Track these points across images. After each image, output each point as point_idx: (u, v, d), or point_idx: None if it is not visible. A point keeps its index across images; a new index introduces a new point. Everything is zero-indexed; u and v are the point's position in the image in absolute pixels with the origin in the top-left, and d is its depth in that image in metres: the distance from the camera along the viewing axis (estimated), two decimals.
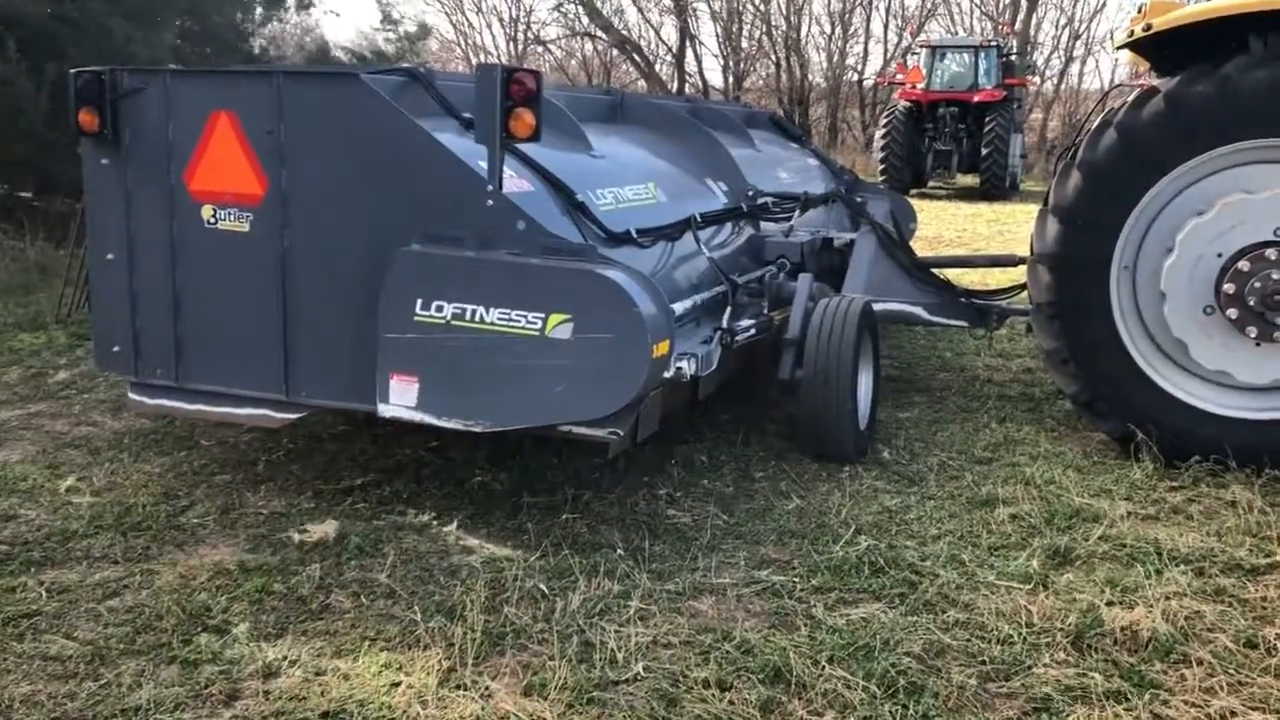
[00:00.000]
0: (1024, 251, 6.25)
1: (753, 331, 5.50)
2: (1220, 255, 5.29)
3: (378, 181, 4.49)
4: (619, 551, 4.47)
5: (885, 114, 25.93)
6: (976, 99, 24.29)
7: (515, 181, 4.59)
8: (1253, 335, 5.29)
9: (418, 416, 4.35)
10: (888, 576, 4.27)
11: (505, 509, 4.92)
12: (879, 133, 25.38)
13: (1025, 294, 6.90)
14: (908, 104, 24.99)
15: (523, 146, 4.62)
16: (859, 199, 7.35)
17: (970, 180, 25.25)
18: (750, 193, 7.04)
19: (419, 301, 4.26)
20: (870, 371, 5.92)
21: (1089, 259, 5.59)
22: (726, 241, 6.39)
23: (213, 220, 4.77)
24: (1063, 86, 37.93)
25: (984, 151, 23.96)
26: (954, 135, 24.59)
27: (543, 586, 4.12)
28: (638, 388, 4.08)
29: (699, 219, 6.03)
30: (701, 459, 5.60)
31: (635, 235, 5.21)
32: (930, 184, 25.64)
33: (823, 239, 6.96)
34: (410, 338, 4.29)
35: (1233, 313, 5.29)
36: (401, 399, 4.36)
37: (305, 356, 4.72)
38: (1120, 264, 5.59)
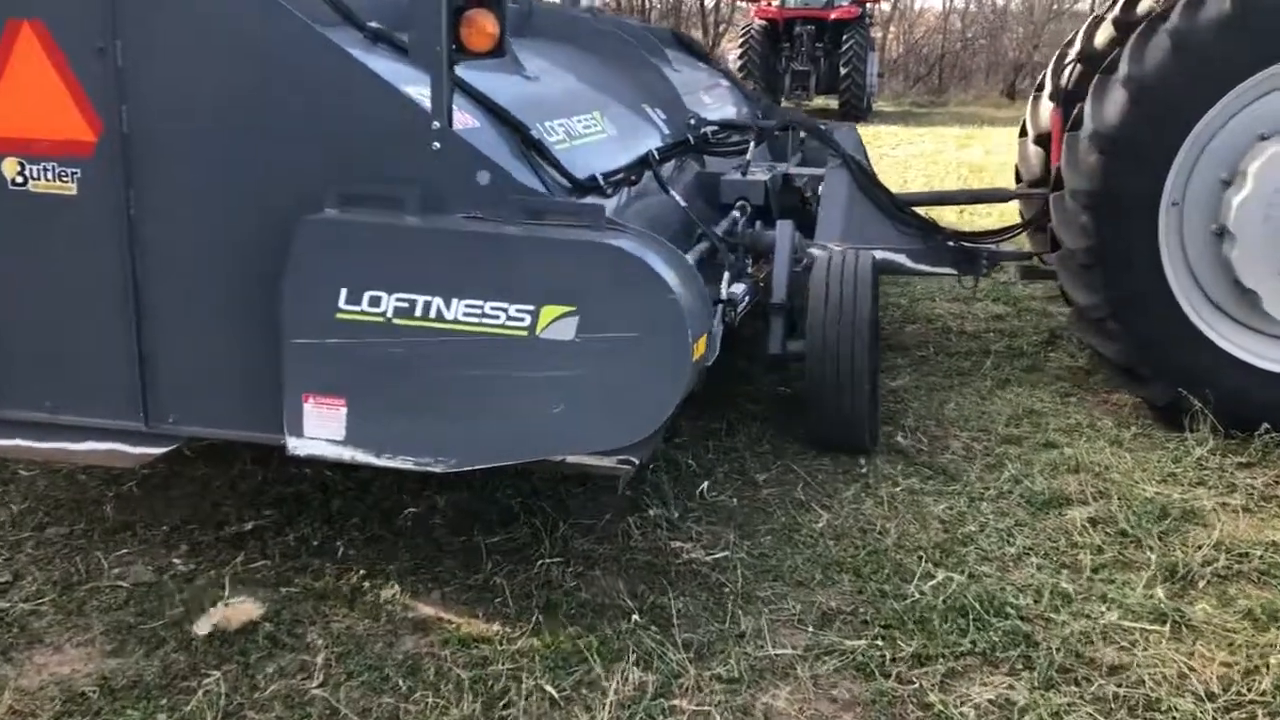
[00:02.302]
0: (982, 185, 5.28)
1: (749, 299, 4.37)
2: None
3: (268, 120, 3.12)
4: (634, 616, 3.30)
5: (741, 33, 24.98)
6: (833, 16, 23.56)
7: (458, 115, 3.28)
8: None
9: (347, 454, 3.07)
10: (992, 629, 3.24)
11: (457, 555, 3.69)
12: (735, 53, 24.40)
13: (1021, 236, 6.01)
14: (763, 22, 24.08)
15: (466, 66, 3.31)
16: (823, 126, 6.25)
17: (824, 101, 24.53)
18: (692, 121, 5.85)
19: (343, 292, 2.95)
20: (878, 340, 4.87)
21: (1135, 195, 4.64)
22: (684, 184, 5.20)
23: (19, 180, 3.30)
24: (900, 3, 37.60)
25: (842, 71, 23.29)
26: (811, 55, 23.82)
27: (550, 689, 2.94)
28: (673, 404, 2.91)
29: (656, 156, 4.83)
30: (688, 461, 4.45)
31: (602, 182, 3.99)
32: (786, 105, 24.86)
33: (782, 176, 5.85)
34: (331, 344, 2.99)
35: None
36: (321, 430, 3.07)
37: (172, 369, 3.34)
38: (1169, 200, 4.65)
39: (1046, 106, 6.22)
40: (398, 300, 2.92)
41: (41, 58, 3.21)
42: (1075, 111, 4.94)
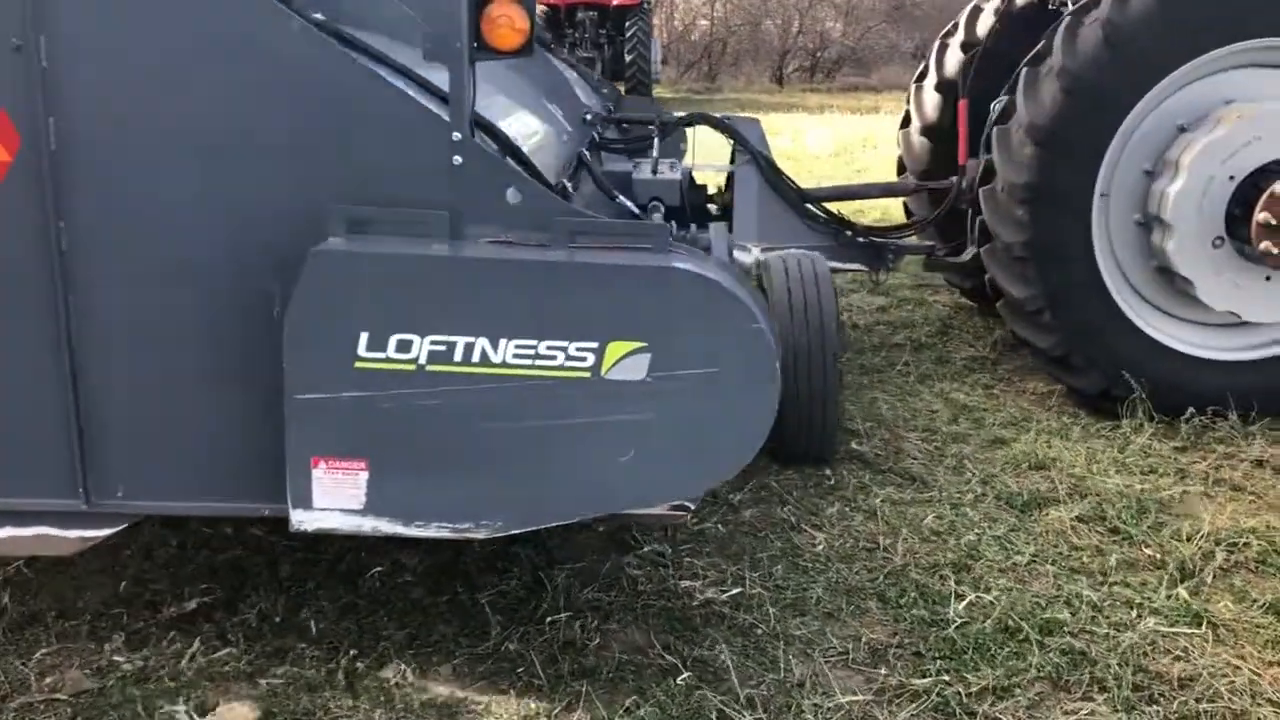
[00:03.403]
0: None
1: None
2: (1233, 178, 4.49)
3: (246, 132, 2.60)
4: (682, 674, 2.99)
5: None
6: (615, 2, 23.46)
7: None
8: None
9: (367, 525, 2.62)
10: (1047, 649, 3.12)
11: (450, 619, 3.26)
12: None
13: (919, 229, 5.98)
14: (546, 9, 23.71)
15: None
16: (725, 119, 6.01)
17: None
18: (589, 117, 5.52)
19: (363, 337, 2.49)
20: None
21: (1069, 187, 4.66)
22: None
23: None
24: None
25: (628, 58, 23.28)
26: (595, 41, 23.66)
27: None
28: (759, 444, 2.61)
29: (589, 156, 4.49)
30: None
31: (569, 189, 3.63)
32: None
33: (688, 173, 5.59)
34: (348, 398, 2.52)
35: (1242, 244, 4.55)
36: (335, 499, 2.60)
37: (119, 433, 2.76)
38: (1100, 191, 4.69)
39: (932, 97, 6.22)
40: (433, 344, 2.49)
41: None
42: (1006, 103, 4.91)
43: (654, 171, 5.31)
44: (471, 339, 2.49)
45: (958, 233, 5.86)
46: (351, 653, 3.06)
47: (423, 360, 2.50)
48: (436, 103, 2.66)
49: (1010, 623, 3.23)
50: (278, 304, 2.66)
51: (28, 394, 2.73)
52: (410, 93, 2.62)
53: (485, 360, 2.50)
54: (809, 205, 5.62)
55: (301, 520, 2.61)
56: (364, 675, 2.98)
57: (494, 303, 2.49)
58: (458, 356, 2.50)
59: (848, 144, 15.74)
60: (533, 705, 2.86)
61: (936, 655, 3.10)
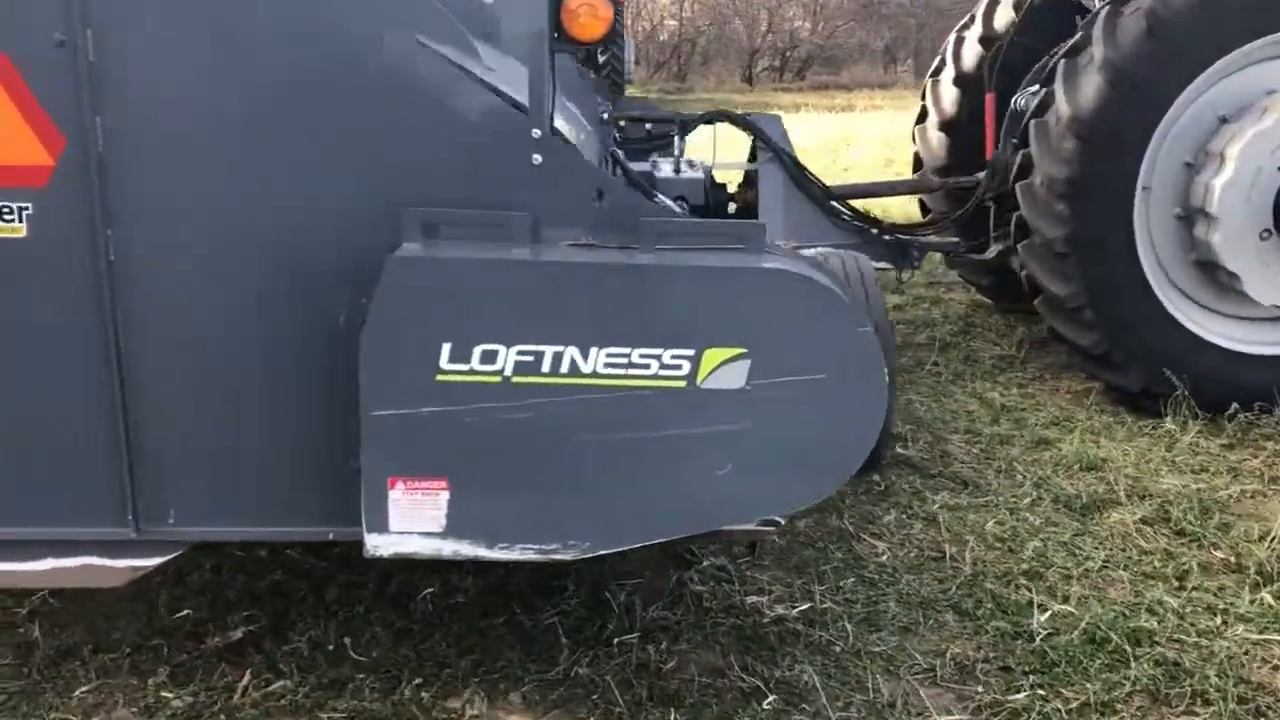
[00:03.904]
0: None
1: None
2: None
3: (310, 130, 2.43)
4: (769, 697, 2.84)
5: None
6: None
7: None
8: None
9: (447, 548, 2.45)
10: (1140, 660, 3.00)
11: (513, 643, 3.10)
12: None
13: (942, 226, 5.87)
14: None
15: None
16: (747, 116, 5.86)
17: None
18: (606, 116, 5.36)
19: (445, 348, 2.32)
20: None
21: (1111, 180, 4.56)
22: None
23: None
24: None
25: (601, 58, 23.08)
26: None
27: None
28: (867, 452, 2.46)
29: (621, 156, 4.34)
30: None
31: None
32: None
33: (708, 171, 5.45)
34: (429, 413, 2.35)
35: None
36: (413, 521, 2.42)
37: (172, 456, 2.58)
38: (1142, 185, 4.59)
39: (950, 91, 6.12)
40: (519, 355, 2.32)
41: None
42: (1043, 96, 4.80)
43: (677, 170, 5.17)
44: (560, 348, 2.33)
45: (978, 229, 5.76)
46: (415, 681, 2.89)
47: (509, 372, 2.33)
48: (509, 99, 2.48)
49: (1097, 633, 3.11)
50: (343, 313, 2.49)
51: (73, 415, 2.54)
52: (486, 85, 2.45)
53: (575, 370, 2.34)
54: (833, 203, 5.49)
55: (377, 545, 2.44)
56: (430, 706, 2.81)
57: (584, 310, 2.33)
58: (546, 367, 2.34)
59: (830, 142, 15.65)
60: None
61: (1027, 670, 2.97)
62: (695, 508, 2.45)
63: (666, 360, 2.34)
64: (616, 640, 3.07)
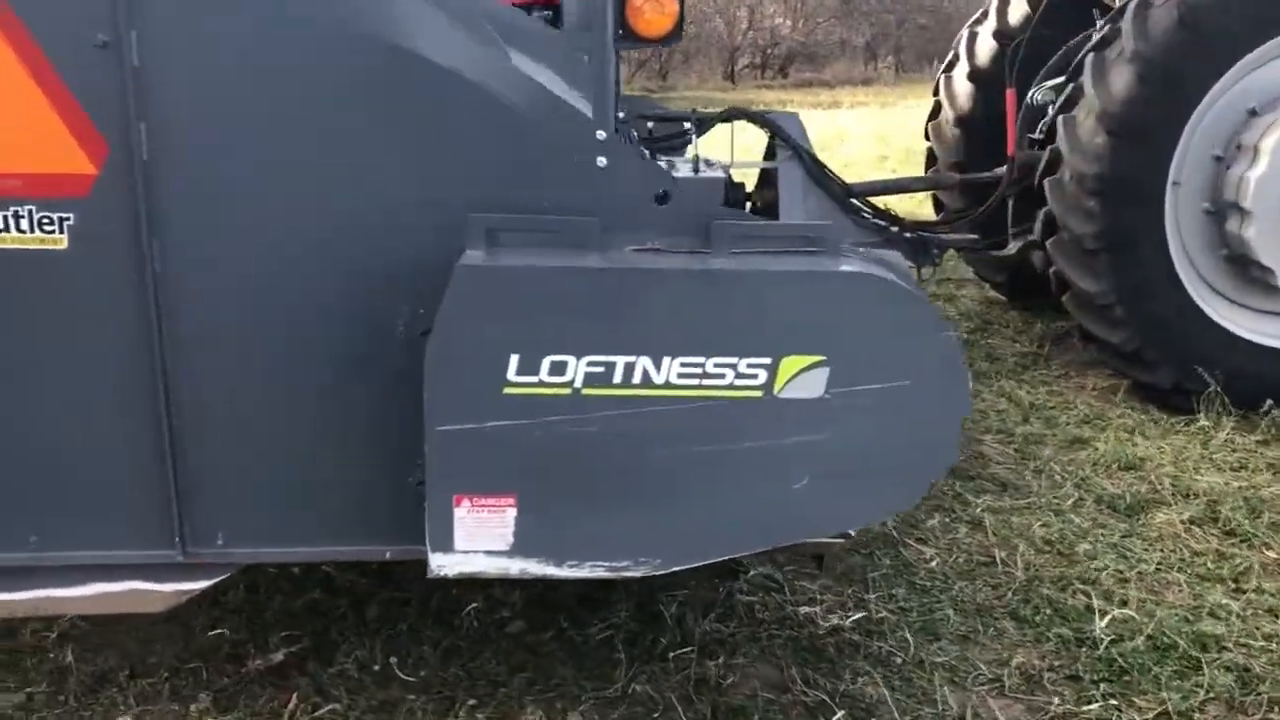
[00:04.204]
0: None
1: None
2: None
3: (367, 135, 2.33)
4: (837, 713, 2.76)
5: None
6: None
7: None
8: None
9: (515, 567, 2.35)
10: (1210, 667, 2.94)
11: (565, 659, 3.01)
12: None
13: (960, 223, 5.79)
14: None
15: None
16: (764, 114, 5.77)
17: None
18: (622, 114, 5.25)
19: (513, 360, 2.23)
20: None
21: (1143, 176, 4.50)
22: None
23: None
24: None
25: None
26: None
27: None
28: (950, 463, 2.39)
29: (650, 155, 4.23)
30: None
31: None
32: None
33: (727, 170, 5.35)
34: (496, 428, 2.26)
35: None
36: (479, 540, 2.33)
37: (220, 474, 2.47)
38: (1173, 180, 4.54)
39: (965, 86, 6.05)
40: (590, 365, 2.23)
41: (9, 59, 2.26)
42: (1070, 90, 4.74)
43: (695, 170, 5.07)
44: (632, 358, 2.24)
45: (997, 226, 5.69)
46: (469, 702, 2.80)
47: (578, 384, 2.24)
48: (573, 99, 2.39)
49: (1162, 639, 3.04)
50: (402, 324, 2.39)
51: (116, 434, 2.44)
52: (550, 87, 2.35)
53: (647, 381, 2.25)
54: (854, 200, 5.40)
55: (441, 564, 2.34)
56: None
57: (658, 318, 2.24)
58: (617, 378, 2.24)
59: (822, 139, 15.54)
60: None
61: (1096, 678, 2.90)
62: (770, 522, 2.37)
63: (742, 369, 2.25)
64: (672, 655, 2.99)
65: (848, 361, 2.27)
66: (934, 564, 3.52)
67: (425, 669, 2.96)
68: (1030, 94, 5.56)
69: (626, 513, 2.33)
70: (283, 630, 3.12)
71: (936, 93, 6.33)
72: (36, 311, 2.37)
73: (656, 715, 2.77)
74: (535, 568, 2.35)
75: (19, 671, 2.97)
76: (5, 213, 2.31)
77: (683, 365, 2.25)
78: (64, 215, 2.32)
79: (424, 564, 2.33)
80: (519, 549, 2.33)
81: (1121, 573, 3.45)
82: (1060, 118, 4.70)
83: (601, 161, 2.34)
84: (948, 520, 3.82)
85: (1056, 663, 2.99)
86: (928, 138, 6.45)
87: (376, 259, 2.35)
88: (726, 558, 2.43)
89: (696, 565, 2.42)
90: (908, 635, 3.10)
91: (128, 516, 2.48)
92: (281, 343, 2.41)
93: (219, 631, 3.11)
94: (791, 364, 2.26)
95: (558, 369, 2.23)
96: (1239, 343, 4.65)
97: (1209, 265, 4.70)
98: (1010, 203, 5.50)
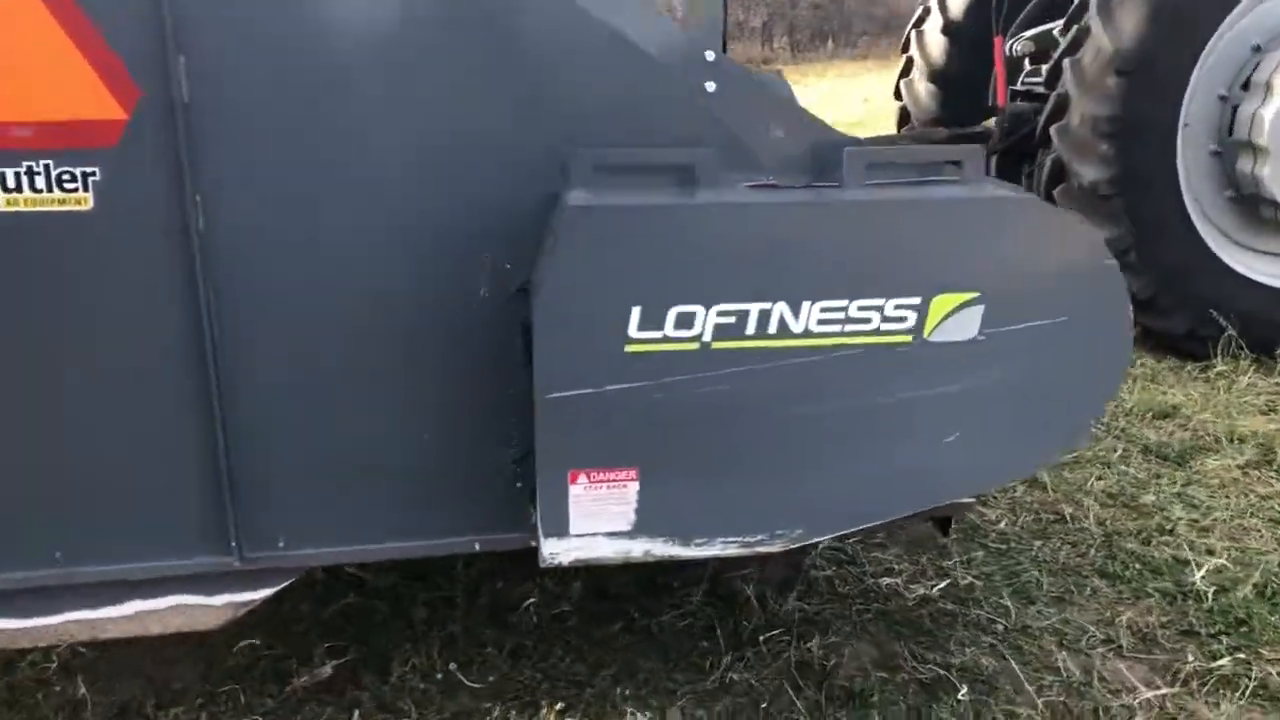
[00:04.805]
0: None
1: None
2: None
3: (441, 64, 2.02)
4: (960, 690, 2.54)
5: None
6: None
7: None
8: None
9: (638, 549, 2.08)
10: None
11: (647, 652, 2.74)
12: None
13: None
14: None
15: None
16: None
17: None
18: None
19: (635, 313, 1.95)
20: None
21: (1155, 117, 4.38)
22: None
23: None
24: None
25: None
26: None
27: None
28: (1110, 399, 2.17)
29: None
30: None
31: None
32: None
33: None
34: (616, 392, 1.98)
35: None
36: (597, 521, 2.05)
37: (282, 463, 2.14)
38: (1183, 121, 4.43)
39: (938, 40, 5.90)
40: (720, 316, 1.97)
41: None
42: (1075, 33, 4.59)
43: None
44: (768, 305, 1.98)
45: None
46: (556, 706, 2.51)
47: (708, 337, 1.97)
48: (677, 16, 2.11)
49: (1270, 586, 2.89)
50: (485, 284, 2.09)
51: (159, 422, 2.09)
52: (650, 4, 2.07)
53: (784, 330, 1.99)
54: None
55: (555, 552, 2.05)
56: None
57: (795, 259, 1.98)
58: (750, 329, 1.98)
59: None
60: None
61: (1214, 632, 2.74)
62: (920, 482, 2.13)
63: (889, 312, 2.01)
64: (763, 639, 2.74)
65: (1003, 298, 2.04)
66: (1002, 525, 3.33)
67: (494, 673, 2.66)
68: (1009, 45, 5.43)
69: (762, 480, 2.07)
70: (325, 642, 2.79)
71: (906, 49, 6.17)
72: (58, 284, 2.01)
73: (765, 705, 2.52)
74: (660, 548, 2.08)
75: (25, 709, 2.58)
76: (15, 169, 1.94)
77: (823, 311, 2.00)
78: (88, 170, 1.97)
79: (495, 556, 2.05)
80: (643, 528, 2.06)
81: (1197, 522, 3.31)
82: (1066, 61, 4.56)
83: (710, 86, 2.07)
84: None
85: (1165, 619, 2.82)
86: (899, 96, 6.29)
87: (459, 207, 2.05)
88: (870, 525, 2.18)
89: (838, 535, 2.17)
90: (1004, 601, 2.90)
91: (172, 520, 2.14)
92: (347, 312, 2.09)
93: (248, 644, 2.76)
94: (943, 303, 2.03)
95: (685, 321, 1.96)
96: (1253, 286, 4.56)
97: (1216, 207, 4.61)
98: (996, 158, 5.37)
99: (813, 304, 1.99)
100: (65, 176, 1.96)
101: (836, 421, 2.05)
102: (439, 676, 2.65)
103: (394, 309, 2.09)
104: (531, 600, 2.93)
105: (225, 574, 2.17)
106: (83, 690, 2.62)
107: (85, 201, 1.98)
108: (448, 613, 2.91)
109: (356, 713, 2.51)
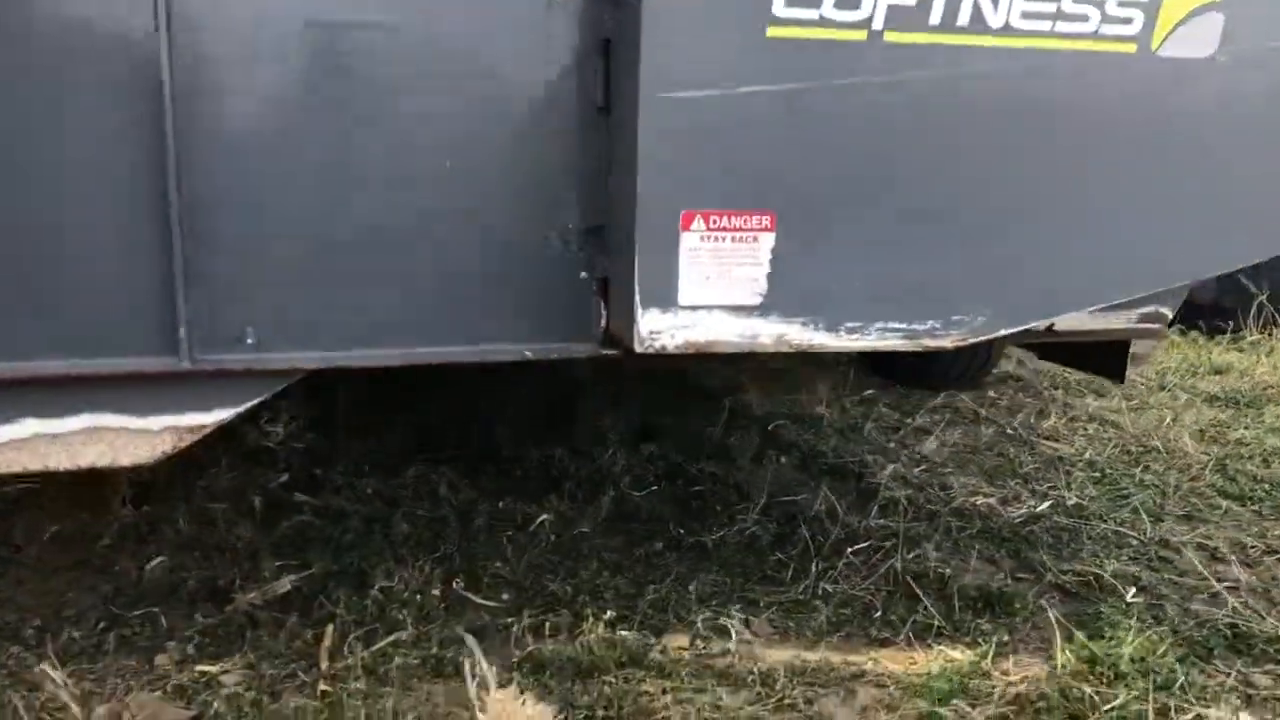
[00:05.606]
0: None
1: None
2: None
3: None
4: (1130, 590, 1.97)
5: None
6: None
7: None
8: None
9: (768, 333, 1.49)
10: None
11: (721, 564, 2.12)
12: None
13: None
14: None
15: None
16: None
17: None
18: None
19: None
20: None
21: None
22: None
23: None
24: None
25: None
26: None
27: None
28: None
29: None
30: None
31: None
32: None
33: None
34: (750, 96, 1.40)
35: None
36: (717, 287, 1.46)
37: (250, 241, 1.50)
38: None
39: None
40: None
41: None
42: None
43: None
44: None
45: None
46: (606, 615, 1.86)
47: (878, 24, 1.42)
48: None
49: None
50: None
51: (91, 178, 1.44)
52: None
53: (978, 23, 1.45)
54: None
55: (656, 330, 1.44)
56: (645, 648, 1.79)
57: None
58: (935, 17, 1.44)
59: None
60: (957, 656, 1.77)
61: None
62: (1140, 254, 1.58)
63: (1110, 10, 1.49)
64: (850, 550, 2.14)
65: (1250, 5, 1.54)
66: (1087, 455, 2.82)
67: (510, 590, 2.00)
68: None
69: (943, 242, 1.51)
70: (274, 561, 2.09)
71: None
72: None
73: (879, 614, 1.91)
74: (798, 335, 1.49)
75: None
76: None
77: (1025, 5, 1.46)
78: None
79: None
80: (776, 303, 1.47)
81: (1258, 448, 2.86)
82: None
83: None
84: (1067, 420, 3.13)
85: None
86: None
87: None
88: (1073, 313, 1.62)
89: (1025, 329, 1.60)
90: (1138, 515, 2.36)
91: (101, 304, 1.47)
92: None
93: (161, 563, 2.05)
94: (1176, 8, 1.51)
95: (852, 4, 1.41)
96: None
97: None
98: None
99: None
100: None
101: (1035, 166, 1.51)
102: (435, 592, 1.97)
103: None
104: (546, 517, 2.28)
105: (167, 381, 1.49)
106: None
107: None
108: (439, 531, 2.24)
109: (331, 627, 1.82)
